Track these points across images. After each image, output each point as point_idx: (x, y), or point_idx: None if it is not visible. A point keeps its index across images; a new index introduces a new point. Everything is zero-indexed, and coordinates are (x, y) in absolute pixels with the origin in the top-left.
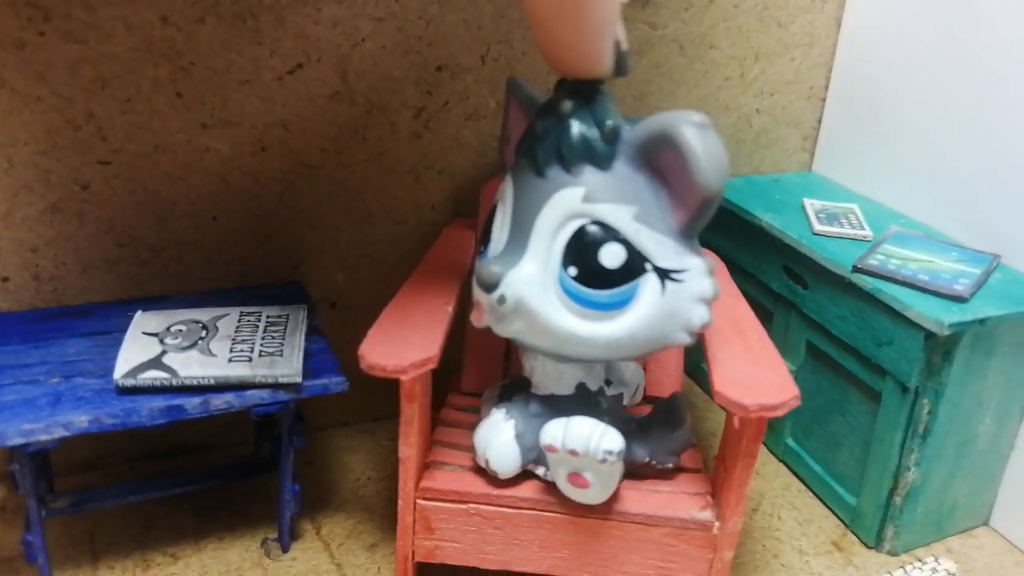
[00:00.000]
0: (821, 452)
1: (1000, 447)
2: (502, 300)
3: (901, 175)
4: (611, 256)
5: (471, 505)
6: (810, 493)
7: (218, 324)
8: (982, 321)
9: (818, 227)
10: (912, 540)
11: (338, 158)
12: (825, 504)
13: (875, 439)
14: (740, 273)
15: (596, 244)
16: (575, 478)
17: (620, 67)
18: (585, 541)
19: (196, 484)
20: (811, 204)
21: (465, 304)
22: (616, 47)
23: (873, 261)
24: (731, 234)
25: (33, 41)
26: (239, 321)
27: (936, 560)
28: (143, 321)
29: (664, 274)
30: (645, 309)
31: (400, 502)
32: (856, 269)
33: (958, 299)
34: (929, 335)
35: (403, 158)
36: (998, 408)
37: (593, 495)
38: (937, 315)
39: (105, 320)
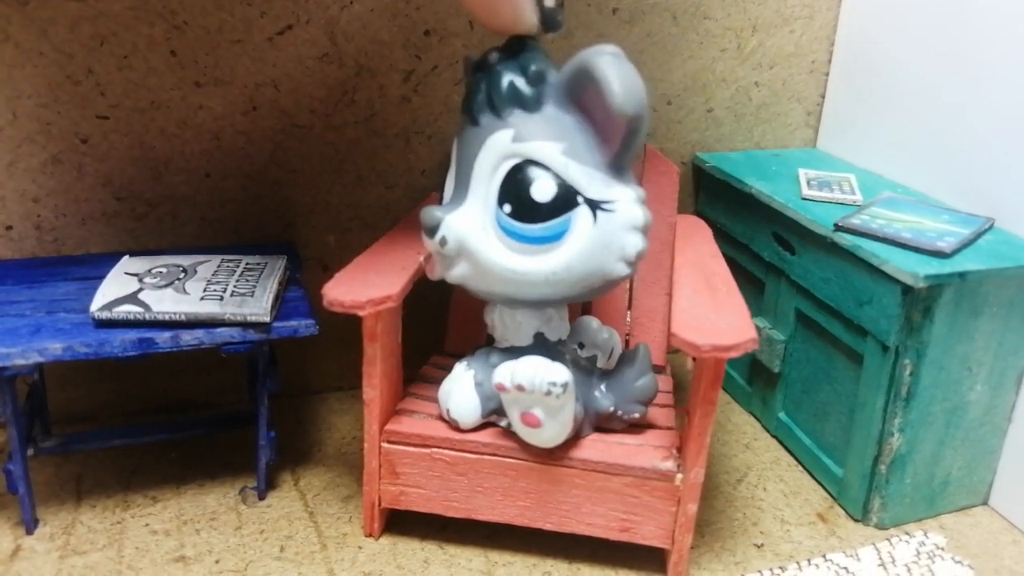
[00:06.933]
0: (811, 424)
1: (996, 419)
2: (443, 242)
3: (907, 150)
4: (542, 190)
5: (434, 450)
6: (800, 468)
7: (198, 268)
8: (962, 275)
9: (807, 192)
10: (901, 514)
11: (328, 120)
12: (814, 478)
13: (858, 404)
14: (733, 244)
15: (527, 180)
16: (527, 417)
17: (548, 23)
18: (547, 490)
19: (181, 432)
20: (805, 173)
21: None
22: (539, 4)
23: (856, 220)
24: (724, 204)
25: None
26: (218, 266)
27: (925, 534)
28: (128, 264)
29: (595, 205)
30: (579, 241)
31: (366, 445)
32: (838, 227)
33: (939, 254)
34: (906, 289)
35: (393, 122)
36: (991, 375)
37: (547, 435)
38: (913, 268)
39: (98, 268)
